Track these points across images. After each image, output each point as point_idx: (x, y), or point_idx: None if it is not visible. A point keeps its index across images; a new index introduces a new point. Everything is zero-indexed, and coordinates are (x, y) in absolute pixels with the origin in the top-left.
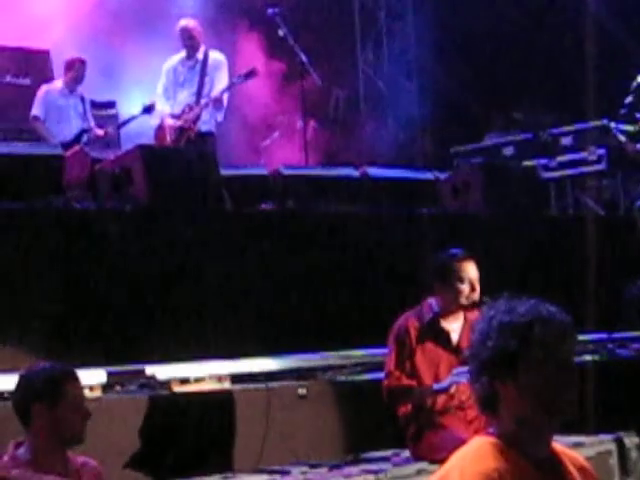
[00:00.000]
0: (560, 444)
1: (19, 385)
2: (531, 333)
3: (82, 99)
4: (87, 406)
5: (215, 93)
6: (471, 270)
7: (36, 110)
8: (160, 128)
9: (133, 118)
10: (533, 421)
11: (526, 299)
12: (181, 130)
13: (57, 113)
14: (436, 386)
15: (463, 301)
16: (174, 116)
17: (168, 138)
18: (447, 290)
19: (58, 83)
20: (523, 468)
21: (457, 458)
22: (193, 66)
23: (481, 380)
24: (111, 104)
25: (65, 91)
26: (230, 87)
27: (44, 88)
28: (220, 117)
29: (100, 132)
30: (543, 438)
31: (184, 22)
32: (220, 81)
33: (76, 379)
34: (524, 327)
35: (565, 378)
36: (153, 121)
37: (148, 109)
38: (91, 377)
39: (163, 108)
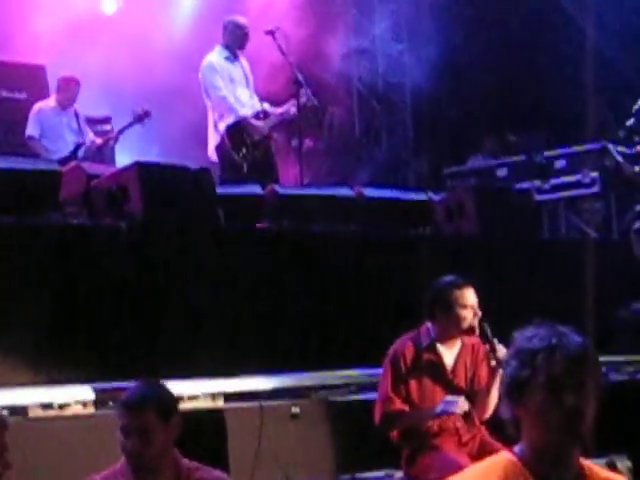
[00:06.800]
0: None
1: None
2: (537, 361)
3: (76, 114)
4: (8, 458)
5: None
6: (471, 296)
7: (31, 130)
8: (244, 123)
9: (129, 126)
10: (548, 446)
11: (551, 325)
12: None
13: (52, 131)
14: (436, 410)
15: (465, 326)
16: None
17: (256, 136)
18: (449, 317)
19: (50, 101)
20: None
21: (470, 470)
22: (236, 63)
23: (505, 404)
24: (106, 120)
25: (58, 109)
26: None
27: (37, 107)
28: None
29: (99, 140)
30: (560, 462)
31: (244, 19)
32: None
33: (5, 428)
34: (533, 355)
35: (574, 406)
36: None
37: (140, 117)
38: (78, 394)
39: (235, 105)
